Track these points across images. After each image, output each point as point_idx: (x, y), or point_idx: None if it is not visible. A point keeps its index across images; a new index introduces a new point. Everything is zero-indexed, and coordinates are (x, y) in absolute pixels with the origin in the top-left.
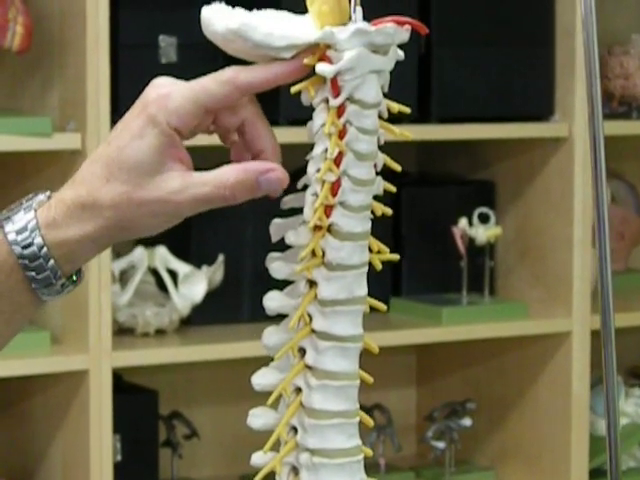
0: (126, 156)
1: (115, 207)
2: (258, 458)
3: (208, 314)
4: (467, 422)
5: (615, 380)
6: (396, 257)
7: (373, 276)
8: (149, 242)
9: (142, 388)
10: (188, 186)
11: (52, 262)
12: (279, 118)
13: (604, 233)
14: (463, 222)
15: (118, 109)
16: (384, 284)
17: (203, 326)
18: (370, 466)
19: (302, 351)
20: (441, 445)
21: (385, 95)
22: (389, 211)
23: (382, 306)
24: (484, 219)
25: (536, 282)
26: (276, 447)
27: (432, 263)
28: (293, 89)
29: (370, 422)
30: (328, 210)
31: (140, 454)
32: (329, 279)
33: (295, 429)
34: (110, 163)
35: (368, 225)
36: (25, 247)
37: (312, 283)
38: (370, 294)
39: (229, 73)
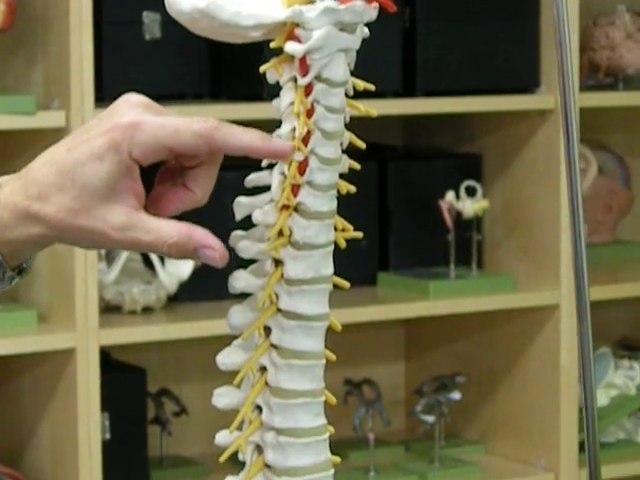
0: (82, 174)
1: (56, 225)
2: (223, 437)
3: (195, 291)
4: (456, 396)
5: (591, 355)
6: (359, 235)
7: (360, 251)
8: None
9: (130, 366)
10: (131, 228)
11: (0, 258)
12: (263, 93)
13: (578, 209)
14: (450, 195)
15: (102, 86)
16: (371, 259)
17: (190, 303)
18: (359, 441)
19: (267, 330)
20: (430, 419)
21: (359, 71)
22: (353, 189)
23: (345, 284)
24: (471, 192)
25: (524, 255)
26: (242, 426)
27: (419, 237)
28: (261, 68)
29: (333, 400)
30: (295, 189)
31: (129, 432)
32: (296, 258)
33: (260, 408)
34: (65, 174)
35: (334, 204)
36: None
37: (278, 262)
38: (357, 269)
39: (206, 127)
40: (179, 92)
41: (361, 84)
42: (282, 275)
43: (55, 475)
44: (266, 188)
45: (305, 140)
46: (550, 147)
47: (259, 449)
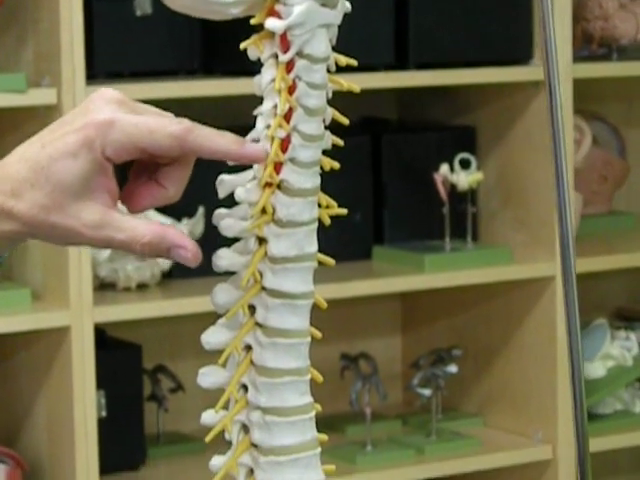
0: (55, 170)
1: (29, 222)
2: (208, 417)
3: (187, 268)
4: (453, 369)
5: (578, 328)
6: (344, 211)
7: (355, 225)
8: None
9: (126, 343)
10: (104, 226)
11: None
12: (256, 68)
13: (563, 184)
14: (444, 168)
15: (93, 63)
16: (366, 232)
17: (185, 279)
18: (356, 415)
19: (252, 309)
20: (427, 392)
21: (333, 48)
22: (337, 165)
23: (330, 261)
24: (465, 165)
25: (519, 226)
26: (228, 406)
27: (414, 210)
28: (242, 45)
29: (320, 378)
30: (278, 167)
31: (125, 409)
32: (279, 236)
33: (245, 387)
34: (38, 170)
35: (318, 181)
36: None
37: (262, 240)
38: (352, 243)
39: (181, 129)
40: (171, 68)
41: (343, 59)
42: (266, 253)
43: (52, 453)
44: (249, 165)
45: (287, 117)
46: (544, 118)
47: (245, 428)
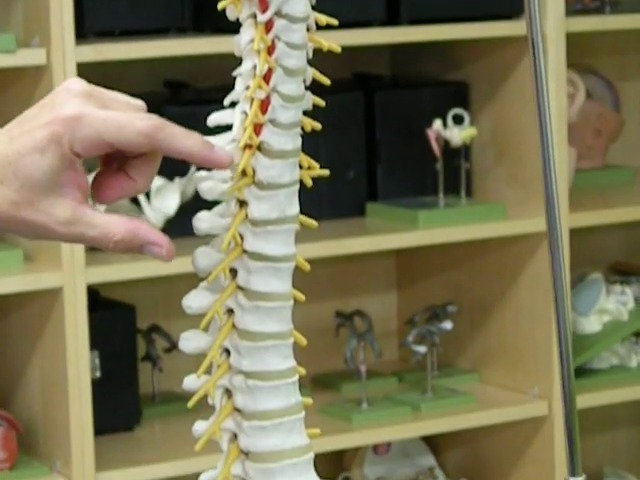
0: (23, 166)
1: (1, 211)
2: (191, 382)
3: (182, 227)
4: (448, 325)
5: (566, 286)
6: (326, 172)
7: (348, 181)
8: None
9: (119, 303)
10: (76, 222)
11: None
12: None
13: (547, 139)
14: (437, 124)
15: (83, 23)
16: (360, 189)
17: (177, 239)
18: (351, 373)
19: (233, 272)
20: (422, 349)
21: (314, 7)
22: (318, 126)
23: (313, 223)
24: (458, 120)
25: (513, 182)
26: (210, 370)
27: (408, 166)
28: (219, 5)
29: (303, 341)
30: (258, 128)
31: (120, 369)
32: (260, 198)
33: (228, 351)
34: (6, 165)
35: (298, 142)
36: None
37: (242, 203)
38: (345, 200)
39: (149, 127)
40: (162, 26)
41: (323, 19)
42: (247, 216)
43: (46, 415)
44: (229, 127)
45: (266, 78)
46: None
47: (228, 393)
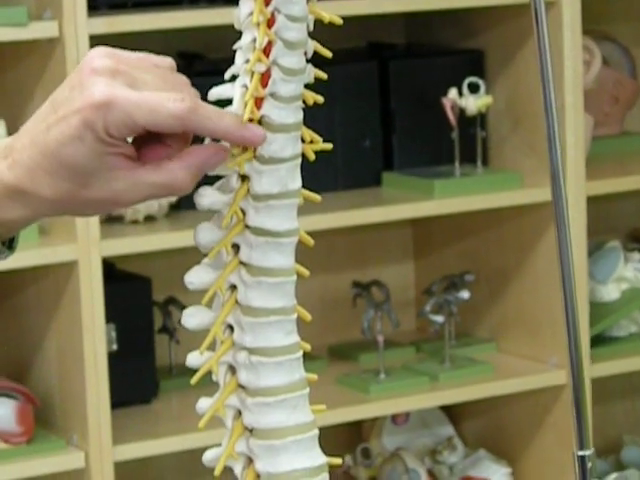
0: (67, 155)
1: (59, 201)
2: (194, 359)
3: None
4: (465, 295)
5: (570, 258)
6: (329, 146)
7: (364, 151)
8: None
9: (135, 275)
10: (134, 187)
11: None
12: None
13: (551, 106)
14: (453, 92)
15: None
16: (375, 159)
17: (193, 210)
18: (369, 344)
19: (236, 247)
20: (440, 319)
21: None
22: (320, 99)
23: (316, 197)
24: (474, 89)
25: (529, 151)
26: (213, 347)
27: (423, 136)
28: None
29: (307, 317)
30: (258, 102)
31: (136, 342)
32: (261, 173)
33: (231, 327)
34: (49, 155)
35: (300, 115)
36: None
37: (244, 178)
38: (361, 170)
39: (182, 109)
40: None
41: None
42: (249, 191)
43: (62, 388)
44: (230, 101)
45: (266, 51)
46: (552, 40)
47: (232, 369)
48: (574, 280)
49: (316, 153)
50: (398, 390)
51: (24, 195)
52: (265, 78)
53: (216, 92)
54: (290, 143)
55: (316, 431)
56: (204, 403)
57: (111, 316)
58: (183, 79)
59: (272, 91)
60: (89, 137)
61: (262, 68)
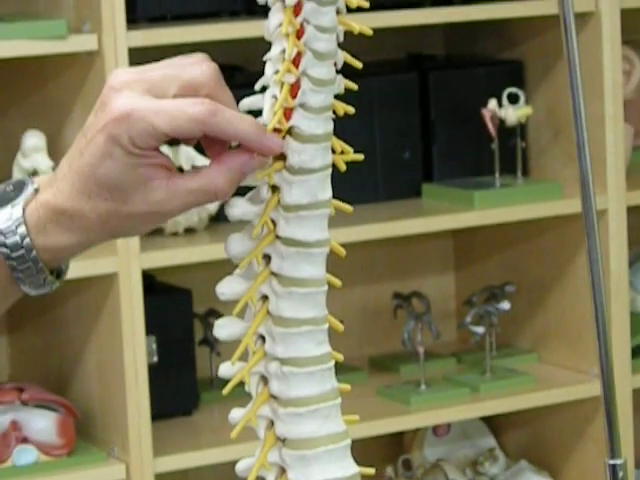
0: (101, 175)
1: (103, 223)
2: (226, 369)
3: None
4: (506, 305)
5: (601, 268)
6: (360, 157)
7: (404, 162)
8: (174, 141)
9: (176, 288)
10: (174, 195)
11: (41, 264)
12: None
13: (581, 118)
14: (492, 103)
15: (135, 7)
16: (415, 170)
17: (232, 222)
18: (409, 355)
19: (267, 258)
20: (480, 330)
21: None
22: (351, 109)
23: (348, 208)
24: (514, 99)
25: (569, 161)
26: (245, 357)
27: (463, 147)
28: None
29: (340, 327)
30: (288, 112)
31: (177, 354)
32: (292, 183)
33: (263, 338)
34: (86, 179)
35: (330, 126)
36: (14, 249)
37: (275, 188)
38: (401, 181)
39: (202, 112)
40: (214, 10)
41: (354, 1)
42: (279, 201)
43: (103, 400)
44: (260, 112)
45: (296, 61)
46: (592, 50)
47: (264, 380)
48: (604, 290)
49: (356, 164)
50: (438, 401)
51: (69, 219)
52: (295, 89)
53: (246, 103)
54: (320, 154)
55: (348, 441)
56: (237, 413)
57: (152, 328)
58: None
59: (302, 102)
60: (118, 152)
61: (291, 79)
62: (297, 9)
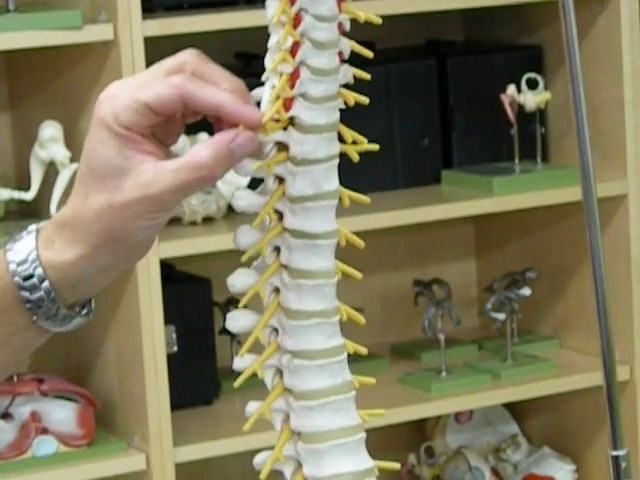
0: (93, 165)
1: (99, 219)
2: (240, 362)
3: None
4: (526, 292)
5: (603, 263)
6: (375, 147)
7: (423, 149)
8: (190, 130)
9: (195, 277)
10: (161, 175)
11: (46, 283)
12: None
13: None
14: (511, 89)
15: None
16: (435, 156)
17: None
18: (431, 342)
19: (278, 250)
20: (501, 316)
21: None
22: (364, 99)
23: (365, 199)
24: (533, 85)
25: (590, 146)
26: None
27: (482, 133)
28: None
29: (361, 320)
30: (288, 103)
31: (197, 343)
32: (295, 175)
33: (277, 330)
34: (84, 178)
35: (334, 116)
36: (21, 263)
37: (281, 180)
38: (420, 168)
39: (179, 79)
40: None
41: None
42: (284, 192)
43: (123, 391)
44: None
45: (293, 51)
46: (611, 35)
47: (280, 373)
48: (606, 280)
49: (374, 152)
50: (460, 388)
51: (71, 228)
52: (293, 78)
53: (255, 93)
54: (323, 144)
55: (362, 434)
56: (252, 406)
57: (171, 318)
58: None
59: (301, 91)
60: (105, 134)
61: (288, 68)
62: None
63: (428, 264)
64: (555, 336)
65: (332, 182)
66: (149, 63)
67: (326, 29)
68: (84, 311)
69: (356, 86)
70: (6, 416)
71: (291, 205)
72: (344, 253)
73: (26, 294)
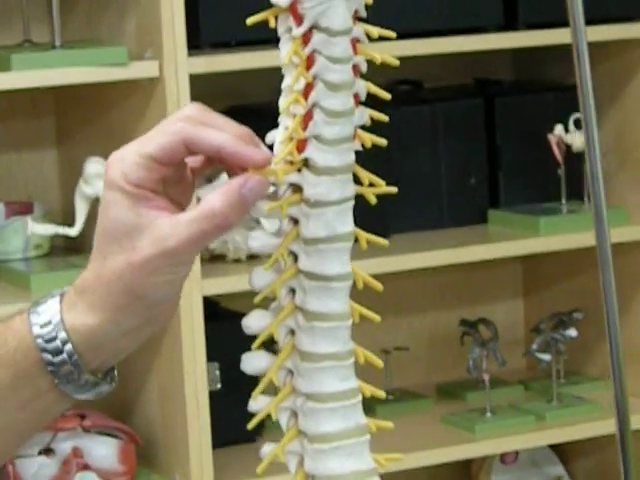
0: (108, 227)
1: (119, 278)
2: (254, 404)
3: None
4: (573, 333)
5: (614, 301)
6: (393, 190)
7: (470, 188)
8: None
9: (240, 314)
10: (177, 228)
11: (69, 346)
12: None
13: (592, 123)
14: (559, 128)
15: (197, 34)
16: (482, 196)
17: None
18: (476, 382)
19: (293, 292)
20: (547, 357)
21: (365, 20)
22: (382, 141)
23: (384, 242)
24: (580, 125)
25: (637, 186)
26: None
27: (529, 172)
28: (249, 20)
29: (380, 364)
30: (301, 144)
31: (241, 380)
32: (309, 216)
33: (292, 372)
34: (100, 242)
35: (348, 158)
36: (44, 325)
37: (295, 221)
38: (467, 207)
39: (179, 125)
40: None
41: (375, 31)
42: (299, 234)
43: (165, 427)
44: None
45: (307, 92)
46: None
47: (295, 415)
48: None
49: (421, 190)
50: (504, 429)
51: (91, 293)
52: (306, 120)
53: (270, 136)
54: (337, 186)
55: (376, 479)
56: (268, 448)
57: (215, 355)
58: None
59: (315, 133)
60: (117, 196)
61: (301, 110)
62: (306, 39)
63: (475, 304)
64: (602, 377)
65: (346, 224)
66: (194, 100)
67: (339, 71)
68: (107, 379)
69: (403, 125)
70: (48, 451)
71: (305, 247)
72: (391, 292)
73: (48, 356)
